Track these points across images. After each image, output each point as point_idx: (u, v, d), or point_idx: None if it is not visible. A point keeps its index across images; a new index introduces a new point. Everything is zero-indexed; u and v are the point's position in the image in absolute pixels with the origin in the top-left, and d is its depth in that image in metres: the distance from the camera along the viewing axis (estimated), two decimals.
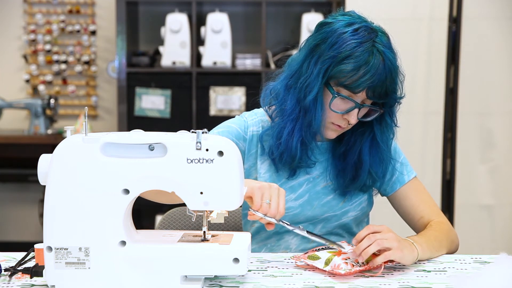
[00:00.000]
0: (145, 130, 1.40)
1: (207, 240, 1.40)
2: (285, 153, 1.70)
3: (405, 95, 1.69)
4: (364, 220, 1.86)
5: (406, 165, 1.80)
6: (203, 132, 1.33)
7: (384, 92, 1.62)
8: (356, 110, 1.63)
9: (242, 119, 1.80)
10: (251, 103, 1.89)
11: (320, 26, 1.67)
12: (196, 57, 4.10)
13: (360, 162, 1.72)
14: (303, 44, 1.70)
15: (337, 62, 1.59)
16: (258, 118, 1.80)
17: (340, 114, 1.64)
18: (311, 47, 1.65)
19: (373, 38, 1.62)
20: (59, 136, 4.18)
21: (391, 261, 1.53)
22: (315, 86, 1.62)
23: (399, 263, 1.53)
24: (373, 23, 1.68)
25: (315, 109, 1.64)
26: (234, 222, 2.05)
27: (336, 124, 1.67)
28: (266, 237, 1.80)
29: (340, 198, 1.77)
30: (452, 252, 1.70)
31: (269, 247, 1.79)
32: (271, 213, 1.48)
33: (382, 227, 1.49)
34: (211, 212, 1.42)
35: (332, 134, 1.70)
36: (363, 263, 1.47)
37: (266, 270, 1.49)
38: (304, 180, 1.76)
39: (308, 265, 1.51)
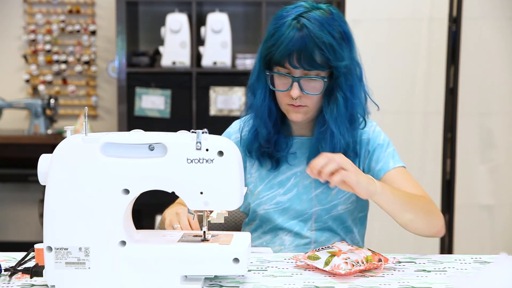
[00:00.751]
0: (145, 130, 1.40)
1: (207, 240, 1.40)
2: (245, 142, 1.80)
3: (347, 64, 1.68)
4: (358, 216, 1.85)
5: (394, 155, 1.79)
6: (203, 132, 1.33)
7: (313, 61, 1.65)
8: (295, 84, 1.67)
9: (228, 131, 1.90)
10: None
11: None
12: (196, 57, 4.10)
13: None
14: None
15: (266, 41, 1.70)
16: (242, 124, 1.86)
17: (285, 92, 1.70)
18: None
19: (301, 12, 1.67)
20: (59, 136, 4.18)
21: (390, 260, 1.53)
22: (256, 69, 1.74)
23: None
24: (321, 4, 1.72)
25: (257, 92, 1.74)
26: (234, 222, 2.05)
27: (289, 104, 1.71)
28: (262, 234, 1.82)
29: (328, 192, 1.77)
30: (432, 231, 1.66)
31: (265, 244, 1.81)
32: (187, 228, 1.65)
33: (339, 154, 1.52)
34: (211, 212, 1.42)
35: (295, 116, 1.73)
36: (363, 262, 1.47)
37: (266, 270, 1.49)
38: (292, 175, 1.79)
39: (308, 265, 1.51)
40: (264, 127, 1.76)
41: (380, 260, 1.50)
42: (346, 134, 1.74)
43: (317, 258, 1.48)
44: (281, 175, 1.80)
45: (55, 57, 4.55)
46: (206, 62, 4.04)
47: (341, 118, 1.72)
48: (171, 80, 4.07)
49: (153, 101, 4.06)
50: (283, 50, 1.64)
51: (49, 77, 4.56)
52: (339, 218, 1.79)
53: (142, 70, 4.11)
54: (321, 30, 1.64)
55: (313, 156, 1.67)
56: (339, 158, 1.49)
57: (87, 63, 4.55)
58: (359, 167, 1.77)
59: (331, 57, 1.65)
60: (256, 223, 1.83)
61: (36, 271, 1.38)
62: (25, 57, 4.54)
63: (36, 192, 4.49)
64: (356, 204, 1.81)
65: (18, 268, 1.45)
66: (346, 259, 1.45)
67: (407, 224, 1.63)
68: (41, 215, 3.14)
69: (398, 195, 1.60)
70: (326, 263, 1.46)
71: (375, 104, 1.81)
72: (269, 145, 1.76)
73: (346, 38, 1.69)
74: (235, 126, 1.89)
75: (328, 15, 1.67)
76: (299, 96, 1.68)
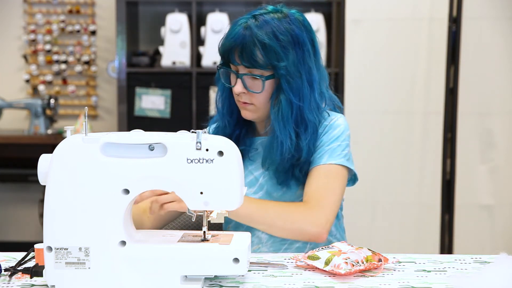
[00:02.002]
0: (145, 130, 1.40)
1: (207, 240, 1.40)
2: None
3: (287, 67, 1.70)
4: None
5: (333, 151, 1.74)
6: (203, 132, 1.33)
7: (252, 59, 1.69)
8: (238, 80, 1.73)
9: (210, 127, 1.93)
10: None
11: None
12: (196, 57, 4.09)
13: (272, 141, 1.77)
14: None
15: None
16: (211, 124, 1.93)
17: (232, 88, 1.76)
18: None
19: (256, 14, 1.75)
20: (59, 136, 4.18)
21: (389, 260, 1.53)
22: (217, 71, 1.81)
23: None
24: (290, 10, 1.76)
25: (218, 88, 1.82)
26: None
27: (240, 101, 1.77)
28: None
29: (295, 188, 1.78)
30: (300, 237, 1.67)
31: (264, 249, 1.80)
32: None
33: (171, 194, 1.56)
34: (211, 212, 1.42)
35: (244, 113, 1.78)
36: (363, 262, 1.47)
37: (266, 270, 1.49)
38: (260, 174, 1.81)
39: (308, 265, 1.51)
40: (221, 121, 1.81)
41: (380, 260, 1.50)
42: (293, 138, 1.72)
43: (317, 258, 1.48)
44: (250, 175, 1.81)
45: (55, 57, 4.55)
46: (206, 62, 4.04)
47: (286, 121, 1.72)
48: (171, 80, 4.07)
49: (153, 101, 4.06)
50: (226, 45, 1.74)
51: (49, 77, 4.56)
52: None
53: (142, 70, 4.11)
54: (263, 30, 1.70)
55: (266, 157, 1.76)
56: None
57: (87, 63, 4.55)
58: None
59: (271, 57, 1.69)
60: (234, 223, 1.83)
61: (36, 271, 1.38)
62: (25, 57, 4.55)
63: (36, 192, 4.49)
64: None
65: (18, 268, 1.45)
66: (346, 259, 1.45)
67: (264, 231, 1.71)
68: (41, 215, 3.14)
69: (245, 215, 1.63)
70: (326, 263, 1.46)
71: (340, 107, 1.85)
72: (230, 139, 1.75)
73: (296, 42, 1.71)
74: (212, 124, 1.92)
75: (282, 18, 1.72)
76: (243, 93, 1.74)
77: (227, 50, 1.74)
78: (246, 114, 1.78)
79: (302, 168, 1.75)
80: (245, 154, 1.81)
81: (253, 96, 1.74)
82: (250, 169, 1.82)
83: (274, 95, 1.73)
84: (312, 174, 1.74)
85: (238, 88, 1.73)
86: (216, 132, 1.84)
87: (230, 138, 1.72)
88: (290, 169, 1.74)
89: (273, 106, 1.74)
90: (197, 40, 4.11)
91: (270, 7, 1.76)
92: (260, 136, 1.85)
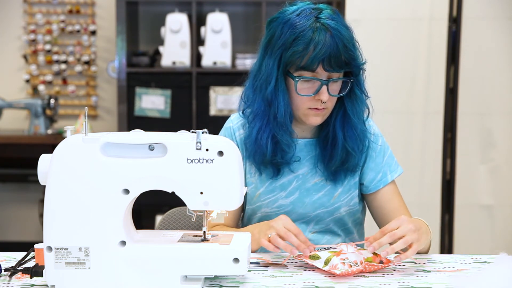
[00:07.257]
0: (145, 130, 1.40)
1: (207, 240, 1.40)
2: (257, 151, 1.72)
3: (366, 61, 1.71)
4: (360, 217, 1.85)
5: (390, 164, 1.80)
6: (203, 132, 1.33)
7: (342, 62, 1.63)
8: (324, 87, 1.64)
9: (228, 126, 1.82)
10: None
11: (268, 23, 1.71)
12: (196, 57, 4.09)
13: (334, 139, 1.73)
14: (259, 46, 1.75)
15: (287, 48, 1.64)
16: (242, 121, 1.81)
17: (311, 96, 1.66)
18: (264, 46, 1.70)
19: (316, 14, 1.64)
20: (59, 136, 4.18)
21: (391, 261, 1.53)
22: (273, 77, 1.66)
23: (398, 263, 1.53)
24: (320, 4, 1.70)
25: (276, 100, 1.67)
26: None
27: (313, 108, 1.68)
28: None
29: (331, 194, 1.77)
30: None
31: (264, 248, 1.78)
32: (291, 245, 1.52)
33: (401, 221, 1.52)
34: (211, 212, 1.42)
35: (315, 119, 1.70)
36: (361, 262, 1.47)
37: (266, 270, 1.49)
38: (293, 178, 1.77)
39: (308, 264, 1.51)
40: (286, 134, 1.70)
41: (381, 262, 1.50)
42: (363, 126, 1.77)
43: (318, 257, 1.48)
44: (283, 177, 1.77)
45: (55, 57, 4.55)
46: (206, 62, 4.04)
47: (362, 114, 1.75)
48: (171, 80, 4.06)
49: (153, 101, 4.05)
50: (318, 54, 1.60)
51: (49, 77, 4.56)
52: (341, 220, 1.79)
53: (142, 70, 4.11)
54: (346, 31, 1.64)
55: (330, 154, 1.72)
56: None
57: (87, 63, 4.55)
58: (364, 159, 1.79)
59: (358, 55, 1.67)
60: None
61: (36, 271, 1.38)
62: (25, 57, 4.54)
63: (36, 192, 4.49)
64: (359, 206, 1.81)
65: (18, 268, 1.45)
66: (344, 260, 1.45)
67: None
68: (41, 215, 3.13)
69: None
70: (326, 263, 1.46)
71: None
72: (289, 150, 1.72)
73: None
74: (236, 121, 1.82)
75: (337, 14, 1.67)
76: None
77: (317, 60, 1.61)
78: (317, 120, 1.70)
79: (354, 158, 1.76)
80: (279, 158, 1.73)
81: (331, 99, 1.68)
82: (283, 171, 1.76)
83: (347, 92, 1.70)
84: (389, 194, 1.78)
85: (326, 95, 1.65)
86: (259, 134, 1.71)
87: (290, 146, 1.71)
88: (346, 160, 1.75)
89: (351, 104, 1.72)
90: (197, 40, 4.10)
91: (307, 4, 1.68)
92: (296, 139, 1.77)
